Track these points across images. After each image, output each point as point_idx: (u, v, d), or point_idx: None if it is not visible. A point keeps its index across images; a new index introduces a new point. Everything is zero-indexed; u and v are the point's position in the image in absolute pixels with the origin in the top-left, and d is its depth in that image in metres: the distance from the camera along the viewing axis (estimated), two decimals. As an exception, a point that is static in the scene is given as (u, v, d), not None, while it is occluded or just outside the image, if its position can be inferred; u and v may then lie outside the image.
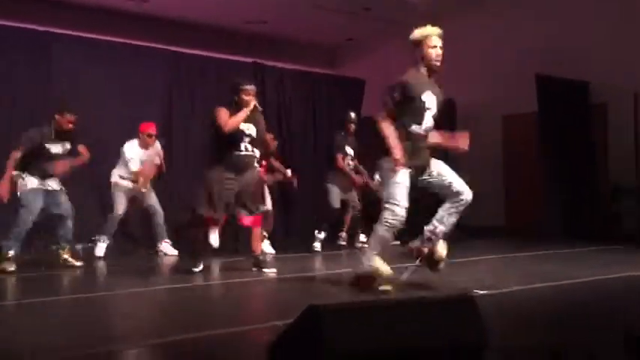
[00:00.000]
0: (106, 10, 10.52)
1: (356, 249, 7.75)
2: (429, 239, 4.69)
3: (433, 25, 4.68)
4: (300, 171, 8.54)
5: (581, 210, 9.18)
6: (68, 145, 6.23)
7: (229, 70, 9.33)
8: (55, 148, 6.16)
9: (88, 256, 6.86)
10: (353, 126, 8.15)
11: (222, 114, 5.50)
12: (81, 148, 6.25)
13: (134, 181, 7.28)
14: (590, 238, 8.34)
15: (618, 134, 9.26)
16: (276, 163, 8.12)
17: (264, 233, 7.35)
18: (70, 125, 6.14)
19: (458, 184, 4.63)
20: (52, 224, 6.25)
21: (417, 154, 4.62)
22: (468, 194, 4.61)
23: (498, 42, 10.81)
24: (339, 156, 7.99)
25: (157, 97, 9.35)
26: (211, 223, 5.69)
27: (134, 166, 7.22)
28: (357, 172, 8.26)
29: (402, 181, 4.51)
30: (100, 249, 7.19)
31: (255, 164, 5.84)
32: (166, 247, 7.46)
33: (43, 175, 6.09)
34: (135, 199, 7.40)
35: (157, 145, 7.49)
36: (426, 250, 4.71)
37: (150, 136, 7.34)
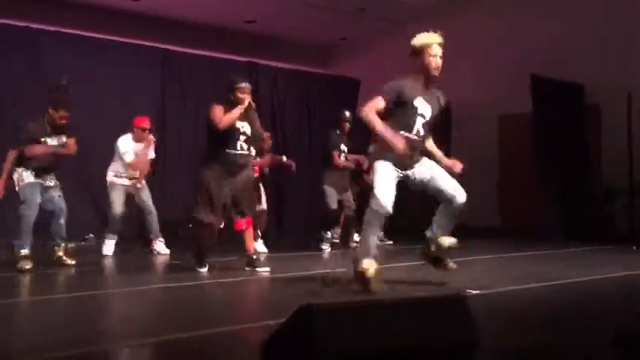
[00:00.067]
0: (98, 8, 10.50)
1: (350, 248, 7.75)
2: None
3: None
4: (294, 170, 8.52)
5: (574, 211, 9.21)
6: (64, 139, 6.23)
7: (223, 69, 9.33)
8: (52, 142, 6.16)
9: (84, 254, 6.84)
10: (348, 125, 8.15)
11: (217, 111, 5.49)
12: (69, 141, 6.23)
13: (130, 178, 7.28)
14: (584, 239, 8.38)
15: (612, 135, 9.29)
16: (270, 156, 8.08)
17: (258, 232, 7.36)
18: (63, 121, 6.14)
19: (451, 187, 4.61)
20: (46, 221, 6.24)
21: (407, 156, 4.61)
22: (461, 197, 4.59)
23: (494, 43, 10.84)
24: (335, 153, 7.98)
25: (150, 95, 9.35)
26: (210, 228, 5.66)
27: (128, 158, 7.21)
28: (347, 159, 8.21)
29: (385, 167, 4.51)
30: (108, 247, 7.20)
31: (250, 164, 5.83)
32: (160, 246, 7.44)
33: (40, 170, 6.09)
34: (131, 197, 7.39)
35: (151, 138, 7.44)
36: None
37: (144, 129, 7.32)
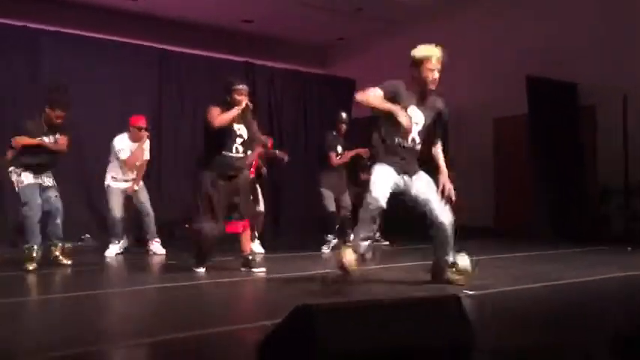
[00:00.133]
0: (96, 8, 10.49)
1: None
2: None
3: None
4: (291, 171, 8.52)
5: (570, 211, 9.23)
6: (59, 136, 6.23)
7: (220, 69, 9.34)
8: (48, 141, 6.16)
9: (80, 254, 6.84)
10: (344, 126, 8.15)
11: (214, 111, 5.48)
12: (61, 138, 6.22)
13: (127, 180, 7.28)
14: (579, 239, 8.38)
15: (607, 136, 9.31)
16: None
17: (255, 233, 7.35)
18: (59, 120, 6.15)
19: (439, 208, 4.65)
20: (42, 221, 6.23)
21: (401, 161, 4.64)
22: (447, 219, 4.64)
23: (491, 43, 10.85)
24: (332, 154, 7.99)
25: (147, 95, 9.34)
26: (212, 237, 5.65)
27: (123, 156, 7.20)
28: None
29: (384, 169, 4.56)
30: (110, 250, 7.21)
31: (246, 166, 5.83)
32: (156, 247, 7.44)
33: (37, 167, 6.09)
34: (128, 199, 7.39)
35: (144, 133, 7.42)
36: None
37: (140, 129, 7.31)
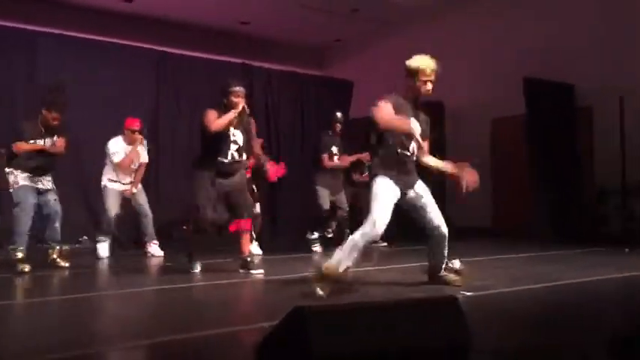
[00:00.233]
0: (93, 10, 10.49)
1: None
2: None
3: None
4: (288, 172, 8.50)
5: (567, 212, 9.24)
6: (57, 138, 6.22)
7: (217, 70, 9.34)
8: (45, 143, 6.16)
9: (78, 257, 6.82)
10: (340, 126, 8.15)
11: (210, 115, 5.47)
12: (59, 140, 6.22)
13: (124, 183, 7.28)
14: (577, 240, 8.39)
15: (604, 137, 9.32)
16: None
17: (253, 234, 7.34)
18: (56, 122, 6.15)
19: (437, 218, 4.69)
20: (40, 224, 6.22)
21: (403, 175, 4.64)
22: (443, 229, 4.69)
23: (487, 45, 10.86)
24: (325, 156, 8.00)
25: (144, 97, 9.33)
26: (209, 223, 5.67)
27: (117, 159, 7.19)
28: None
29: (386, 186, 4.52)
30: (103, 250, 7.18)
31: (242, 169, 5.83)
32: (154, 249, 7.43)
33: (36, 170, 6.08)
34: (126, 200, 7.38)
35: (138, 136, 7.41)
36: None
37: (134, 131, 7.30)
